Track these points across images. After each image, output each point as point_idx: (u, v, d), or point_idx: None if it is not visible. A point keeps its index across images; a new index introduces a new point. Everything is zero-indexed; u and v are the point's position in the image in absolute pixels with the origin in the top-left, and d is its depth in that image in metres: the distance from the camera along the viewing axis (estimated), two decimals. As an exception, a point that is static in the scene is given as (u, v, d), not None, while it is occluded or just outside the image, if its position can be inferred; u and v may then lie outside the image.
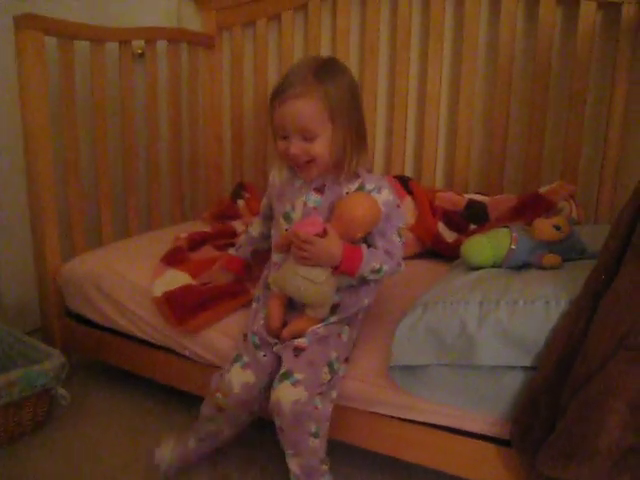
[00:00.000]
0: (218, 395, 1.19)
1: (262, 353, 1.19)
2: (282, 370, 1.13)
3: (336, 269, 1.11)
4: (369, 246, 1.15)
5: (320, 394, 1.12)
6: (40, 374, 1.37)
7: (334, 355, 1.15)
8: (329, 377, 1.13)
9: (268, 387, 1.17)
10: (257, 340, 1.21)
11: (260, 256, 1.40)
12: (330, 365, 1.14)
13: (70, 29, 1.63)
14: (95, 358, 1.67)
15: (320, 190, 1.18)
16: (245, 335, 1.24)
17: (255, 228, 1.39)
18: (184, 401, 1.55)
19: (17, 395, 1.35)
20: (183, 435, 1.27)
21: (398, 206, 1.19)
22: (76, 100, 1.68)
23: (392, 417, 1.18)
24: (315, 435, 1.11)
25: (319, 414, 1.11)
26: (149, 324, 1.45)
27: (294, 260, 1.13)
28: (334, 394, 1.16)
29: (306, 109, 1.09)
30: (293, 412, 1.08)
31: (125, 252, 1.67)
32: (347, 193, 1.17)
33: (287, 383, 1.10)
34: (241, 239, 1.44)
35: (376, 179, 1.19)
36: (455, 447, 1.13)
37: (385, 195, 1.16)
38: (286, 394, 1.09)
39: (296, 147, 1.12)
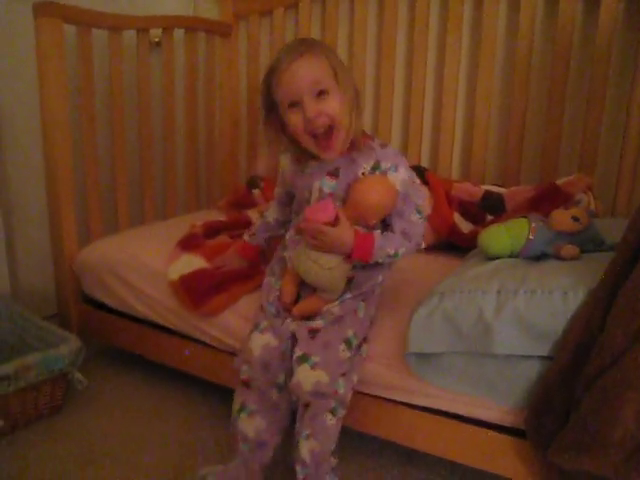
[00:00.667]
0: (242, 367, 1.17)
1: (279, 321, 1.19)
2: (299, 353, 1.12)
3: (348, 257, 1.10)
4: (388, 226, 1.14)
5: (343, 375, 1.10)
6: (57, 358, 1.39)
7: (350, 332, 1.14)
8: (348, 354, 1.12)
9: (290, 355, 1.15)
10: (274, 310, 1.21)
11: (275, 242, 1.39)
12: (347, 342, 1.13)
13: (88, 17, 1.64)
14: (111, 343, 1.69)
15: (334, 174, 1.16)
16: (262, 306, 1.24)
17: (271, 214, 1.38)
18: (200, 386, 1.57)
19: (34, 379, 1.36)
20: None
21: (416, 182, 1.17)
22: (94, 88, 1.69)
23: (405, 404, 1.18)
24: (333, 412, 1.10)
25: (339, 398, 1.10)
26: (166, 307, 1.46)
27: (306, 244, 1.13)
28: (355, 377, 1.14)
29: (314, 63, 1.08)
30: (314, 391, 1.08)
31: (141, 238, 1.68)
32: (363, 174, 1.14)
33: (306, 366, 1.10)
34: (256, 225, 1.43)
35: (392, 155, 1.16)
36: (469, 437, 1.13)
37: (402, 173, 1.14)
38: (306, 376, 1.09)
39: (312, 108, 1.07)
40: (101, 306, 1.64)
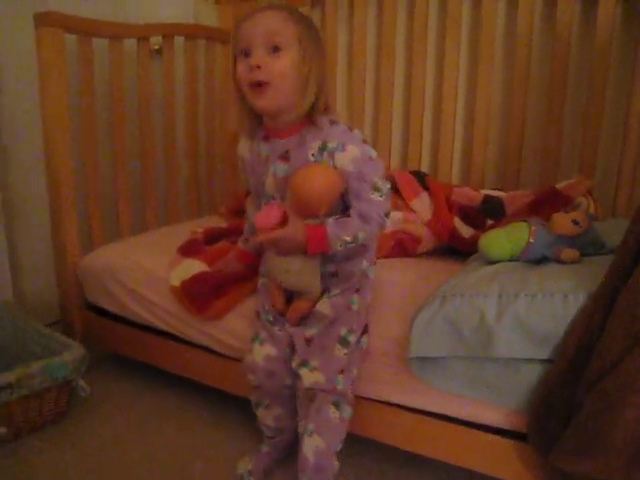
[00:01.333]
0: (250, 376, 1.23)
1: (277, 328, 1.20)
2: (298, 360, 1.15)
3: (306, 253, 1.07)
4: (348, 209, 1.09)
5: (341, 372, 1.13)
6: (61, 366, 1.39)
7: (344, 330, 1.15)
8: (344, 351, 1.14)
9: (291, 358, 1.18)
10: (270, 317, 1.22)
11: None
12: (342, 341, 1.14)
13: (89, 26, 1.65)
14: (115, 350, 1.69)
15: (285, 158, 1.11)
16: (258, 313, 1.25)
17: (251, 211, 1.33)
18: (202, 392, 1.57)
19: (38, 386, 1.37)
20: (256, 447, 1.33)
21: (371, 158, 1.08)
22: (95, 96, 1.70)
23: (406, 408, 1.18)
24: (336, 405, 1.12)
25: (339, 393, 1.13)
26: (169, 313, 1.47)
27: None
28: (355, 371, 1.16)
29: (278, 19, 1.04)
30: (312, 389, 1.12)
31: (143, 244, 1.69)
32: (313, 155, 1.08)
33: (305, 370, 1.14)
34: (245, 229, 1.39)
35: (340, 133, 1.08)
36: (470, 441, 1.13)
37: (351, 152, 1.06)
38: (306, 377, 1.13)
39: (258, 58, 1.03)
40: (104, 313, 1.65)
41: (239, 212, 1.96)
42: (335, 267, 1.16)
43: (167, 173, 2.04)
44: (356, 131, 1.10)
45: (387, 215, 1.10)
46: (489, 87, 1.82)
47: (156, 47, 2.06)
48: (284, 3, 1.06)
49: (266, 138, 1.16)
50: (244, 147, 1.22)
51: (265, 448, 1.30)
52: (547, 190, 1.60)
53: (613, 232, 1.23)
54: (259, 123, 1.16)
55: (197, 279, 1.40)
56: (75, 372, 1.43)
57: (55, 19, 1.54)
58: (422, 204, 1.64)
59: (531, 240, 1.18)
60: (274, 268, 1.14)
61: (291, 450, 1.30)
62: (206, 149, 2.20)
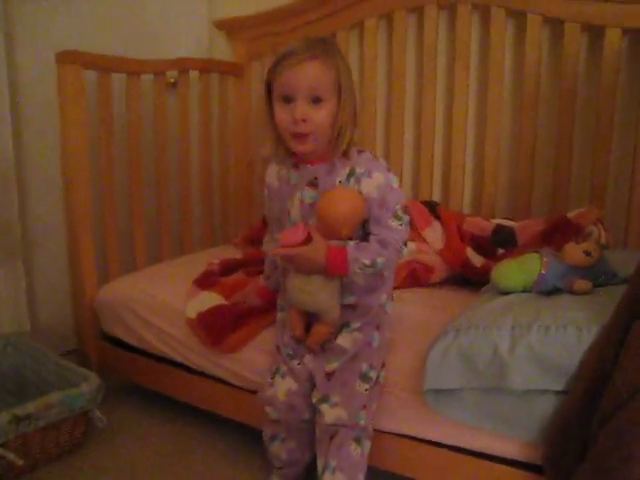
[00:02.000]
0: (268, 409, 1.23)
1: (296, 362, 1.21)
2: (318, 395, 1.16)
3: (327, 274, 1.09)
4: (368, 234, 1.13)
5: (363, 408, 1.14)
6: (78, 397, 1.41)
7: (365, 366, 1.16)
8: (366, 387, 1.15)
9: (311, 392, 1.19)
10: (290, 350, 1.23)
11: None
12: (363, 377, 1.15)
13: (108, 63, 1.70)
14: (130, 381, 1.70)
15: (314, 184, 1.15)
16: (278, 347, 1.27)
17: (269, 245, 1.37)
18: (218, 423, 1.57)
19: (55, 417, 1.38)
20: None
21: (394, 187, 1.13)
22: (113, 129, 1.75)
23: (418, 440, 1.19)
24: (357, 441, 1.13)
25: (361, 428, 1.14)
26: (185, 345, 1.48)
27: (292, 271, 1.14)
28: (374, 406, 1.17)
29: (320, 71, 1.08)
30: (335, 423, 1.13)
31: (158, 276, 1.71)
32: (340, 182, 1.13)
33: (326, 406, 1.14)
34: (266, 266, 1.41)
35: (366, 160, 1.14)
36: (485, 472, 1.13)
37: (376, 179, 1.11)
38: (328, 413, 1.14)
39: (302, 110, 1.08)
40: (120, 343, 1.66)
41: (254, 242, 1.98)
42: (354, 299, 1.18)
43: (181, 204, 2.07)
44: (381, 159, 1.16)
45: (405, 244, 1.13)
46: (499, 118, 1.84)
47: (172, 80, 2.11)
48: (319, 42, 1.11)
49: (296, 165, 1.19)
50: (272, 173, 1.25)
51: (275, 479, 1.31)
52: (558, 219, 1.61)
53: (624, 262, 1.23)
54: (291, 153, 1.19)
55: (214, 312, 1.42)
56: (92, 403, 1.44)
57: (76, 57, 1.60)
58: (434, 234, 1.66)
59: (543, 271, 1.19)
60: (294, 289, 1.14)
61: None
62: (220, 179, 2.24)
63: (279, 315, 1.30)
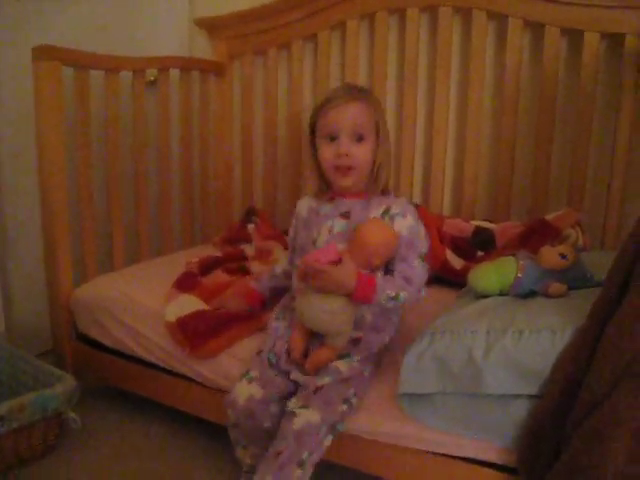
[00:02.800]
0: (229, 411, 1.22)
1: (274, 372, 1.21)
2: (299, 403, 1.14)
3: (351, 298, 1.12)
4: (392, 271, 1.17)
5: (332, 425, 1.13)
6: (52, 398, 1.39)
7: (352, 392, 1.16)
8: (344, 409, 1.15)
9: (278, 402, 1.19)
10: (273, 359, 1.22)
11: (277, 293, 1.42)
12: (347, 401, 1.15)
13: (86, 59, 1.68)
14: (106, 382, 1.69)
15: (346, 216, 1.22)
16: (260, 351, 1.26)
17: (280, 265, 1.43)
18: (194, 424, 1.56)
19: (28, 419, 1.36)
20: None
21: (421, 233, 1.22)
22: (90, 126, 1.72)
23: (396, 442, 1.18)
24: (301, 465, 1.10)
25: (318, 441, 1.12)
26: (161, 348, 1.46)
27: (310, 289, 1.14)
28: (341, 427, 1.16)
29: (361, 111, 1.19)
30: (299, 431, 1.10)
31: (137, 277, 1.69)
32: (374, 217, 1.20)
33: (303, 410, 1.12)
34: (263, 274, 1.47)
35: (403, 203, 1.22)
36: (459, 474, 1.13)
37: (409, 220, 1.20)
38: (301, 415, 1.12)
39: (346, 145, 1.17)
40: (95, 344, 1.64)
41: (232, 241, 1.97)
42: (361, 334, 1.19)
43: (161, 203, 2.05)
44: (413, 206, 1.25)
45: (421, 289, 1.18)
46: (479, 119, 1.84)
47: (151, 78, 2.09)
48: (359, 87, 1.25)
49: (331, 199, 1.27)
50: (304, 205, 1.32)
51: None
52: (537, 221, 1.62)
53: (601, 264, 1.24)
54: (328, 187, 1.27)
55: (193, 316, 1.40)
56: (66, 404, 1.43)
57: (53, 53, 1.57)
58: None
59: (519, 275, 1.19)
60: (310, 307, 1.14)
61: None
62: (200, 179, 2.22)
63: (275, 324, 1.29)
